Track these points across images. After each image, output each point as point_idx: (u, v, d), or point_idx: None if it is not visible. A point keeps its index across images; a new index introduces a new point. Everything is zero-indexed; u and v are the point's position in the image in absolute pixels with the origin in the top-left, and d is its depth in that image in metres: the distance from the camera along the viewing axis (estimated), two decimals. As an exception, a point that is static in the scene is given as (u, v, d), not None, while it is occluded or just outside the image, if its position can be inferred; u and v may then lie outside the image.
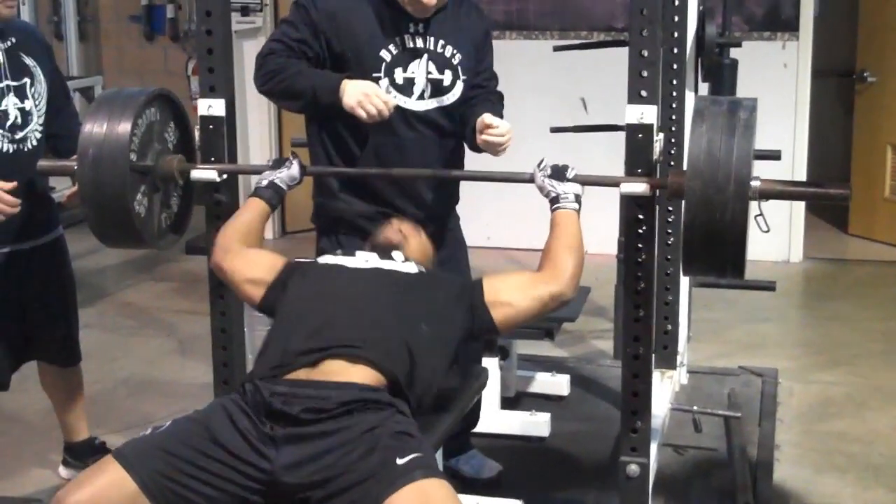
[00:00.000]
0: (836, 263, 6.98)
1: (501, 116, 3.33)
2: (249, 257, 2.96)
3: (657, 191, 2.89)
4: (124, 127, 2.94)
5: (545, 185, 2.97)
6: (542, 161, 3.01)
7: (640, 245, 2.94)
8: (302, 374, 2.63)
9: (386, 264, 2.93)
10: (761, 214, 2.74)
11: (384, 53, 3.19)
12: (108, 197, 2.96)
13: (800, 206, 6.83)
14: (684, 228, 2.71)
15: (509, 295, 2.82)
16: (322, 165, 3.35)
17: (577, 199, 2.95)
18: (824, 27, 7.02)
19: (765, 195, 2.73)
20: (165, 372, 5.15)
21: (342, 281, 2.86)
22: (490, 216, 6.60)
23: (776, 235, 6.58)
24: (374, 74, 3.19)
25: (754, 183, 2.67)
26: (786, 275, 6.37)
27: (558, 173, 2.97)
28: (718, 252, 2.69)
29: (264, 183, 3.08)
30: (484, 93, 3.40)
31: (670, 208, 4.08)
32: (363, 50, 3.18)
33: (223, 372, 3.30)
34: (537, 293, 2.81)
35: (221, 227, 3.07)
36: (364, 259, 2.94)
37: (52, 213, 3.76)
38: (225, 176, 3.18)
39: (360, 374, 2.61)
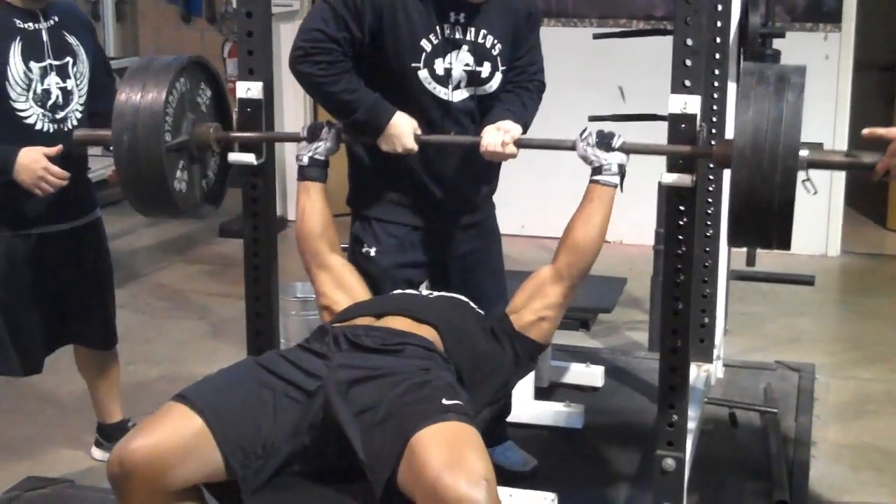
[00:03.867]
0: (875, 258, 6.91)
1: (533, 113, 3.29)
2: (337, 279, 3.06)
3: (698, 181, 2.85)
4: (156, 109, 2.90)
5: (588, 154, 2.92)
6: (585, 130, 2.95)
7: (680, 237, 2.90)
8: (366, 321, 2.77)
9: (450, 293, 3.11)
10: (808, 179, 2.66)
11: (424, 43, 3.14)
12: (147, 181, 2.94)
13: (838, 200, 6.76)
14: (730, 197, 2.64)
15: (534, 312, 2.94)
16: (359, 152, 3.33)
17: (621, 169, 2.91)
18: (866, 19, 6.94)
19: (813, 165, 2.65)
20: (198, 355, 5.14)
21: (408, 297, 3.03)
22: (525, 204, 6.56)
23: (813, 229, 6.52)
24: (413, 65, 3.14)
25: (802, 152, 2.59)
26: (823, 269, 6.30)
27: (604, 141, 2.91)
28: (765, 222, 2.61)
29: (305, 161, 3.09)
30: (521, 81, 3.31)
31: (709, 200, 4.03)
32: (404, 39, 3.13)
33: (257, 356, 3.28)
34: (557, 298, 2.93)
35: (298, 227, 3.09)
36: (428, 292, 3.13)
37: (90, 195, 3.76)
38: (263, 160, 3.16)
39: (423, 331, 2.72)
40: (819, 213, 6.56)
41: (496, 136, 3.07)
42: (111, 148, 2.95)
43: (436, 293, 3.11)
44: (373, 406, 2.44)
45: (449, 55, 3.16)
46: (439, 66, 3.16)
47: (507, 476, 3.52)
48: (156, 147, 2.90)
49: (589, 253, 2.92)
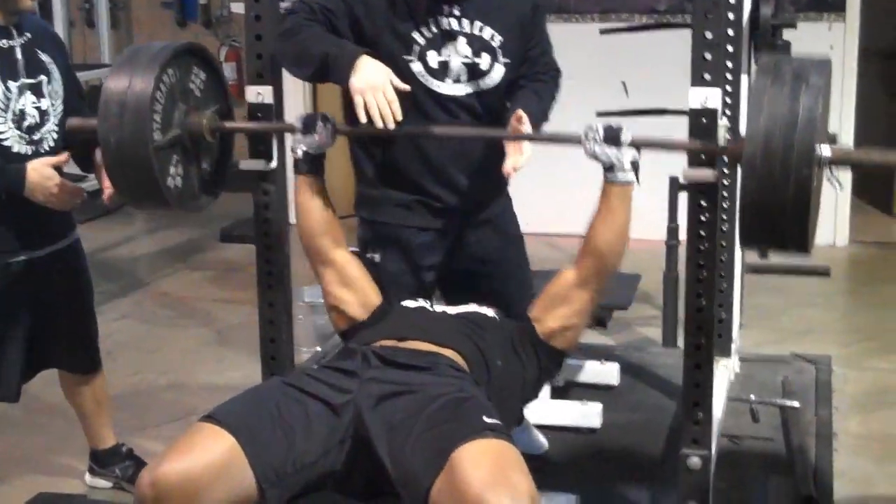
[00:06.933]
0: (883, 246, 6.88)
1: (551, 101, 3.23)
2: (343, 276, 2.96)
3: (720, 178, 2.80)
4: (143, 108, 2.74)
5: (597, 153, 2.75)
6: (589, 126, 2.78)
7: (702, 233, 2.85)
8: (390, 343, 2.70)
9: (464, 308, 2.98)
10: (833, 176, 2.58)
11: (416, 35, 3.05)
12: (137, 182, 2.82)
13: (845, 189, 6.70)
14: (741, 197, 2.53)
15: (559, 319, 2.85)
16: (358, 150, 3.26)
17: (635, 166, 2.76)
18: (870, 8, 6.89)
19: (836, 163, 2.55)
20: (205, 362, 5.09)
21: (424, 318, 2.91)
22: (528, 201, 6.47)
23: (821, 219, 6.45)
24: (406, 57, 3.06)
25: (824, 150, 2.48)
26: (832, 259, 6.26)
27: (612, 137, 2.74)
28: (778, 225, 2.48)
29: (300, 153, 2.94)
30: (533, 73, 3.23)
31: (725, 194, 3.99)
32: (395, 31, 3.05)
33: (271, 365, 3.23)
34: (583, 305, 2.84)
35: (299, 224, 3.00)
36: (442, 308, 3.01)
37: (67, 217, 3.57)
38: (274, 165, 3.11)
39: (449, 353, 2.66)
40: (826, 202, 6.47)
41: (516, 160, 2.99)
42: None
43: (454, 309, 3.01)
44: (406, 421, 2.39)
45: (445, 48, 3.08)
46: (433, 58, 3.07)
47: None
48: (144, 147, 2.76)
49: (613, 255, 2.81)
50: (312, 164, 2.96)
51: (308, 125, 2.91)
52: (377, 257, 3.22)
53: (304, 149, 2.93)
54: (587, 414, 3.98)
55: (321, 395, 2.49)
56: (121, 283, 6.36)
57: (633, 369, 4.51)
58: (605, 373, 4.37)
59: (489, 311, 3.00)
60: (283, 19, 3.06)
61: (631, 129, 2.79)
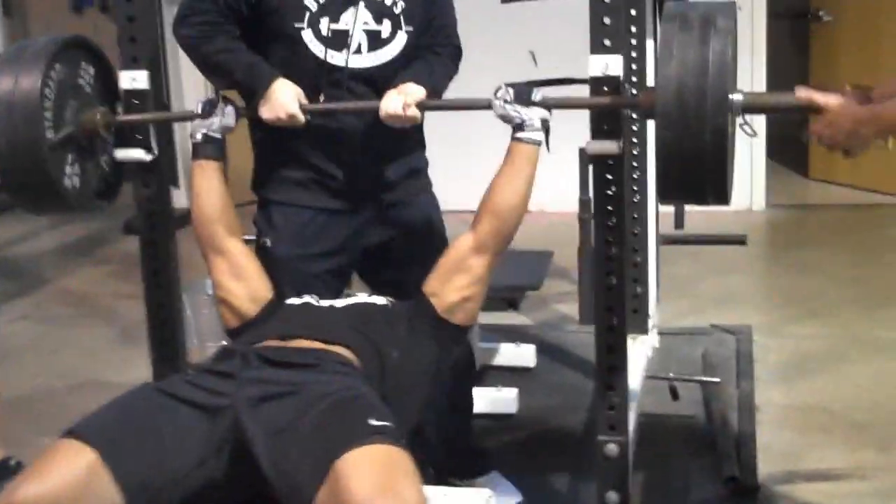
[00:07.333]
0: (800, 209, 6.85)
1: (445, 78, 3.03)
2: (234, 266, 2.78)
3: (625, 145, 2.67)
4: (32, 106, 2.65)
5: (507, 112, 2.67)
6: (499, 88, 2.69)
7: (609, 207, 2.71)
8: (274, 343, 2.52)
9: (353, 300, 2.82)
10: (746, 123, 2.50)
11: (309, 2, 2.84)
12: (34, 184, 2.70)
13: (760, 152, 6.67)
14: (657, 150, 2.44)
15: (457, 291, 2.66)
16: (258, 134, 3.04)
17: (545, 124, 2.68)
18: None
19: (748, 109, 2.48)
20: (109, 363, 4.86)
21: (310, 315, 2.73)
22: (442, 177, 6.34)
23: (737, 183, 6.36)
24: (297, 25, 2.85)
25: (735, 96, 2.42)
26: (749, 224, 6.19)
27: (521, 97, 2.68)
28: (696, 175, 2.41)
29: (199, 137, 2.81)
30: (430, 45, 3.02)
31: (635, 164, 3.86)
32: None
33: (163, 367, 3.09)
34: (481, 271, 2.67)
35: (193, 211, 2.82)
36: (329, 302, 2.82)
37: None
38: (156, 154, 2.92)
39: (337, 350, 2.49)
40: (741, 166, 6.42)
41: (395, 98, 2.80)
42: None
43: (342, 302, 2.82)
44: (289, 425, 2.21)
45: (343, 14, 2.87)
46: (324, 25, 2.86)
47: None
48: (37, 148, 2.66)
49: (513, 217, 2.68)
50: (212, 149, 2.83)
51: (208, 108, 2.82)
52: (268, 241, 3.02)
53: (204, 132, 2.81)
54: (503, 399, 3.85)
55: (195, 399, 2.31)
56: (20, 282, 6.13)
57: (549, 349, 4.39)
58: (520, 355, 4.26)
59: (381, 300, 2.82)
60: (185, 20, 2.88)
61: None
